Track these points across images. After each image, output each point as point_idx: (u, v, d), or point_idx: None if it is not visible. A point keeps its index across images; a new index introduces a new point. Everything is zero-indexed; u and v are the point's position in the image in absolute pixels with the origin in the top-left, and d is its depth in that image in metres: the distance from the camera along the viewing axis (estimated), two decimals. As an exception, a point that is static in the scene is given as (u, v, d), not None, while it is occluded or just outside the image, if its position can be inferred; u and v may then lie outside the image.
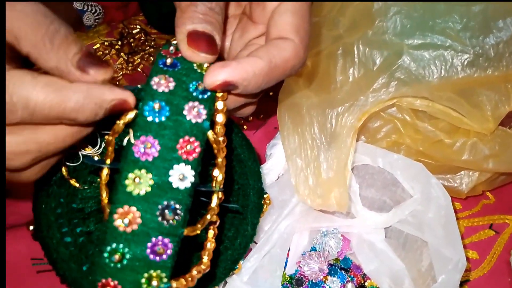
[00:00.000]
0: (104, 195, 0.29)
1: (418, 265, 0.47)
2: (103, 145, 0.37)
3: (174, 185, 0.27)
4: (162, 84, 0.29)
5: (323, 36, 0.52)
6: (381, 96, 0.45)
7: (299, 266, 0.46)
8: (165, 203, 0.27)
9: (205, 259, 0.31)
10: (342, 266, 0.47)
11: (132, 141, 0.28)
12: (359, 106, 0.45)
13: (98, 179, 0.36)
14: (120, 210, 0.27)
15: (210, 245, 0.31)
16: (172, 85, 0.29)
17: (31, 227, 0.37)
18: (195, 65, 0.30)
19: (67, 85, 0.27)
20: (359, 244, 0.48)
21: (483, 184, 0.52)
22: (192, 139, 0.28)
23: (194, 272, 0.30)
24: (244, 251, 0.40)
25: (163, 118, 0.28)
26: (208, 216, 0.30)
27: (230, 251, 0.39)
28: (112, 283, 0.27)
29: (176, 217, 0.27)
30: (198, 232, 0.29)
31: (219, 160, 0.30)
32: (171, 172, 0.28)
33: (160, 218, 0.27)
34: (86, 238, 0.37)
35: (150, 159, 0.27)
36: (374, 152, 0.48)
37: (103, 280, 0.27)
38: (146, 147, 0.28)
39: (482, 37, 0.45)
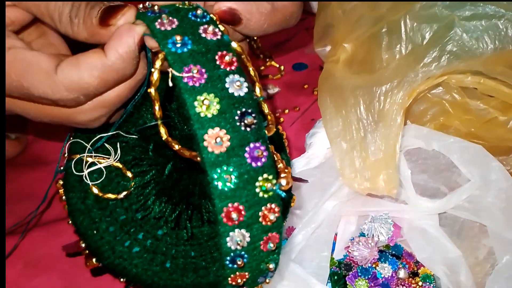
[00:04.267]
0: (177, 146, 0.30)
1: (476, 253, 0.44)
2: (118, 154, 0.39)
3: (236, 94, 0.28)
4: (165, 23, 0.29)
5: (363, 20, 0.50)
6: (432, 71, 0.43)
7: (348, 251, 0.44)
8: (239, 112, 0.28)
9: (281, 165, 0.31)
10: (394, 252, 0.45)
11: (178, 74, 0.28)
12: (409, 82, 0.43)
13: (129, 185, 0.38)
14: (206, 136, 0.27)
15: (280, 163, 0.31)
16: (175, 19, 0.29)
17: (94, 260, 0.37)
18: (177, 4, 0.31)
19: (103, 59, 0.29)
20: (411, 231, 0.45)
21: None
22: (224, 52, 0.29)
23: (285, 170, 0.30)
24: None
25: (189, 46, 0.29)
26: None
27: None
28: (233, 207, 0.28)
29: (255, 120, 0.28)
30: (274, 130, 0.31)
31: (251, 70, 0.32)
32: (227, 84, 0.28)
33: (243, 127, 0.28)
34: (152, 239, 0.37)
35: (203, 81, 0.28)
36: (428, 134, 0.46)
37: (225, 209, 0.28)
38: (194, 73, 0.28)
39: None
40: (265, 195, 0.28)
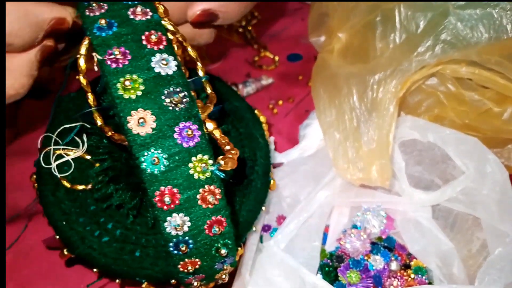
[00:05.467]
0: (110, 132, 0.30)
1: (469, 246, 0.44)
2: (85, 146, 0.38)
3: (163, 73, 0.28)
4: (95, 9, 0.29)
5: (358, 8, 0.49)
6: (426, 60, 0.42)
7: (340, 243, 0.43)
8: (166, 91, 0.27)
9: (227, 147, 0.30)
10: (386, 244, 0.44)
11: (100, 57, 0.27)
12: (403, 71, 0.42)
13: (99, 177, 0.37)
14: (130, 118, 0.27)
15: (228, 145, 0.31)
16: (105, 4, 0.29)
17: (65, 251, 0.37)
18: None
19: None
20: (404, 223, 0.45)
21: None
22: (152, 31, 0.28)
23: (232, 152, 0.30)
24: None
25: (115, 28, 0.28)
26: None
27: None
28: (166, 190, 0.27)
29: (184, 99, 0.28)
30: (211, 109, 0.30)
31: (190, 50, 0.31)
32: (152, 64, 0.28)
33: (171, 106, 0.27)
34: (122, 229, 0.37)
35: (126, 62, 0.27)
36: (424, 126, 0.45)
37: (157, 192, 0.27)
38: (116, 55, 0.27)
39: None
40: (202, 177, 0.28)
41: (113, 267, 0.35)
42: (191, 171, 0.27)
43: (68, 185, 0.38)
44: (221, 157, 0.29)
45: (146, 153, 0.27)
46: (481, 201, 0.42)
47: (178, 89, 0.28)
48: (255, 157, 0.41)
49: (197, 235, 0.29)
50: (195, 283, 0.32)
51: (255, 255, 0.41)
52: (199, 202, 0.28)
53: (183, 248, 0.28)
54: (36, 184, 0.39)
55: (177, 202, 0.27)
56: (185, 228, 0.28)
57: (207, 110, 0.30)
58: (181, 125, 0.27)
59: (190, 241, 0.28)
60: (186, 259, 0.29)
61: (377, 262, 0.42)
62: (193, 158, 0.27)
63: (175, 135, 0.27)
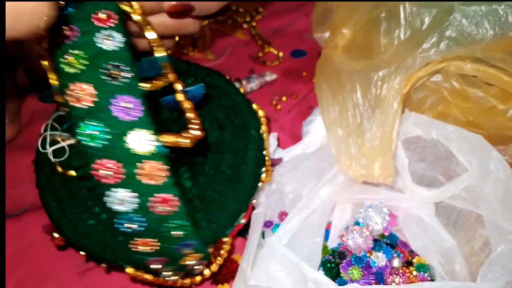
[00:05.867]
0: (60, 99, 0.30)
1: (471, 243, 0.43)
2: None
3: (107, 48, 0.28)
4: None
5: (362, 4, 0.49)
6: (431, 56, 0.42)
7: (342, 240, 0.43)
8: (108, 66, 0.28)
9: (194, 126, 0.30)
10: (388, 241, 0.44)
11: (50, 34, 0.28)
12: (407, 67, 0.42)
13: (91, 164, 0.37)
14: (68, 91, 0.27)
15: (191, 113, 0.31)
16: None
17: (56, 234, 0.38)
18: None
19: None
20: (407, 220, 0.45)
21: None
22: (102, 10, 0.29)
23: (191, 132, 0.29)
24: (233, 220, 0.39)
25: (70, 10, 0.29)
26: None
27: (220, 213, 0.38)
28: (108, 164, 0.27)
29: (123, 73, 0.28)
30: (160, 84, 0.30)
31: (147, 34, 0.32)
32: (96, 39, 0.28)
33: (110, 80, 0.28)
34: (107, 213, 0.37)
35: (75, 39, 0.28)
36: (428, 123, 0.45)
37: (95, 166, 0.27)
38: (67, 32, 0.28)
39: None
40: (142, 152, 0.27)
41: (96, 249, 0.35)
42: (129, 145, 0.27)
43: (60, 169, 0.38)
44: (167, 133, 0.29)
45: (84, 126, 0.27)
46: (484, 198, 0.42)
47: (119, 64, 0.28)
48: (246, 149, 0.42)
49: (145, 213, 0.28)
50: (161, 268, 0.32)
51: (256, 251, 0.41)
52: (143, 177, 0.28)
53: (130, 225, 0.28)
54: (34, 168, 0.40)
55: (119, 176, 0.27)
56: (129, 205, 0.28)
57: (157, 86, 0.31)
58: (119, 98, 0.27)
59: (138, 218, 0.28)
60: (136, 238, 0.29)
61: (379, 259, 0.42)
62: (132, 132, 0.27)
63: (113, 108, 0.27)
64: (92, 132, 0.27)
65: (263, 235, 0.45)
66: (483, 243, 0.43)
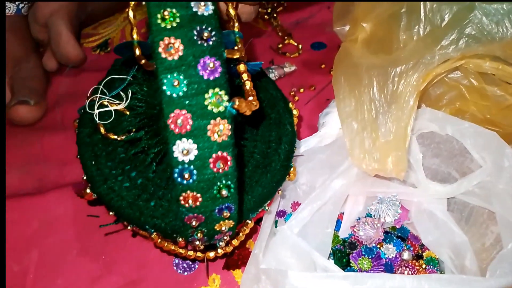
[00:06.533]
0: (143, 61, 0.33)
1: (483, 239, 0.44)
2: (128, 102, 0.42)
3: (200, 13, 0.30)
4: None
5: (383, 0, 0.49)
6: (449, 54, 0.42)
7: (354, 231, 0.44)
8: (198, 27, 0.30)
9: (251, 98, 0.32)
10: (399, 234, 0.45)
11: None
12: (425, 64, 0.42)
13: (133, 129, 0.41)
14: (161, 42, 0.29)
15: (249, 84, 0.33)
16: None
17: (88, 190, 0.40)
18: None
19: None
20: (419, 214, 0.45)
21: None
22: None
23: (250, 98, 0.32)
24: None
25: None
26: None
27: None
28: (180, 113, 0.29)
29: (213, 38, 0.30)
30: (235, 54, 0.33)
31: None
32: (192, 4, 0.30)
33: (199, 41, 0.30)
34: (143, 179, 0.39)
35: None
36: (443, 118, 0.45)
37: (171, 114, 0.29)
38: None
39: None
40: (214, 109, 0.30)
41: (127, 211, 0.37)
42: (206, 102, 0.30)
43: (103, 131, 0.41)
44: (238, 97, 0.31)
45: (169, 76, 0.29)
46: (497, 195, 0.42)
47: (209, 28, 0.30)
48: (280, 141, 0.43)
49: (201, 166, 0.30)
50: (198, 236, 0.34)
51: (269, 238, 0.42)
52: (209, 133, 0.30)
53: (187, 176, 0.30)
54: (76, 127, 0.43)
55: (188, 127, 0.30)
56: (191, 156, 0.30)
57: (235, 54, 0.34)
58: (206, 58, 0.30)
59: (194, 171, 0.30)
60: (188, 191, 0.31)
61: (389, 251, 0.43)
62: (210, 90, 0.30)
63: (198, 66, 0.30)
64: (176, 84, 0.29)
65: (275, 224, 0.46)
66: (494, 239, 0.43)
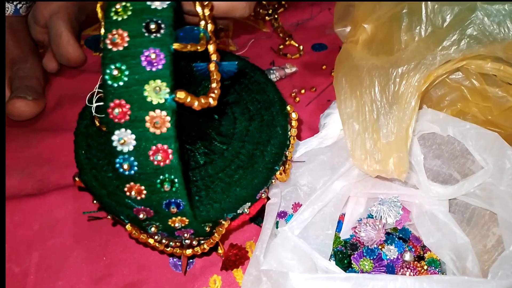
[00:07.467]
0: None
1: (484, 241, 0.44)
2: None
3: (153, 6, 0.30)
4: None
5: (384, 1, 0.49)
6: (451, 54, 0.42)
7: (355, 232, 0.44)
8: (148, 19, 0.30)
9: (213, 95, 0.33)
10: (401, 235, 0.45)
11: None
12: (427, 65, 0.42)
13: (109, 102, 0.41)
14: (109, 35, 0.30)
15: (215, 83, 0.34)
16: None
17: (77, 178, 0.42)
18: None
19: None
20: (420, 216, 0.45)
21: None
22: None
23: (202, 100, 0.32)
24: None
25: None
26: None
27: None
28: (120, 103, 0.30)
29: (161, 30, 0.30)
30: (191, 49, 0.32)
31: None
32: None
33: (146, 33, 0.30)
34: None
35: None
36: (444, 120, 0.45)
37: (111, 104, 0.30)
38: None
39: None
40: (154, 100, 0.30)
41: (105, 200, 0.39)
42: (145, 93, 0.30)
43: (97, 123, 0.43)
44: (181, 90, 0.31)
45: (112, 66, 0.30)
46: (499, 196, 0.42)
47: (159, 21, 0.30)
48: (268, 143, 0.43)
49: (141, 158, 0.31)
50: (152, 230, 0.34)
51: (269, 240, 0.42)
52: (148, 124, 0.30)
53: (126, 167, 0.31)
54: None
55: (127, 117, 0.30)
56: (130, 147, 0.30)
57: (201, 47, 0.34)
58: (150, 50, 0.30)
59: (135, 162, 0.31)
60: (132, 183, 0.32)
61: (391, 252, 0.43)
62: (151, 82, 0.30)
63: (142, 57, 0.30)
64: (117, 74, 0.30)
65: (276, 225, 0.46)
66: (496, 241, 0.43)
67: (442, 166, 0.48)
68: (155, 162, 0.31)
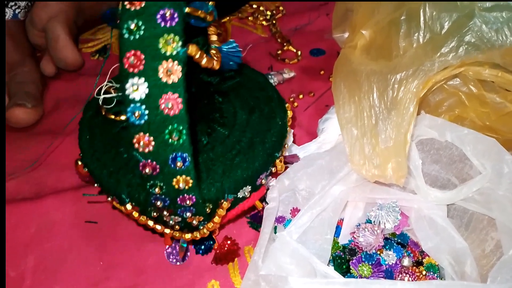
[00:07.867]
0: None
1: (483, 246, 0.44)
2: None
3: None
4: None
5: (383, 5, 0.50)
6: (449, 61, 0.42)
7: (353, 237, 0.44)
8: None
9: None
10: (399, 241, 0.45)
11: None
12: (425, 71, 0.43)
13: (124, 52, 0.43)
14: None
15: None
16: None
17: (79, 162, 0.44)
18: None
19: None
20: (419, 221, 0.45)
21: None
22: None
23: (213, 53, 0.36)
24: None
25: None
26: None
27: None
28: (136, 53, 0.31)
29: None
30: (202, 15, 0.35)
31: None
32: None
33: None
34: (129, 155, 0.42)
35: None
36: (442, 125, 0.45)
37: (127, 53, 0.31)
38: None
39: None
40: (167, 52, 0.32)
41: (106, 179, 0.41)
42: (160, 45, 0.32)
43: (103, 112, 0.46)
44: (195, 45, 0.34)
45: (129, 22, 0.32)
46: (497, 201, 0.42)
47: None
48: (267, 133, 0.44)
49: (152, 106, 0.32)
50: (156, 191, 0.35)
51: (268, 244, 0.42)
52: (160, 74, 0.32)
53: (137, 114, 0.32)
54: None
55: (141, 67, 0.32)
56: (142, 94, 0.32)
57: (204, 15, 0.36)
58: (165, 9, 0.32)
59: (146, 111, 0.32)
60: (141, 133, 0.32)
61: (389, 257, 0.43)
62: (165, 35, 0.32)
63: (158, 15, 0.32)
64: (134, 28, 0.32)
65: (275, 230, 0.46)
66: (494, 246, 0.43)
67: (440, 171, 0.48)
68: (165, 111, 0.32)
